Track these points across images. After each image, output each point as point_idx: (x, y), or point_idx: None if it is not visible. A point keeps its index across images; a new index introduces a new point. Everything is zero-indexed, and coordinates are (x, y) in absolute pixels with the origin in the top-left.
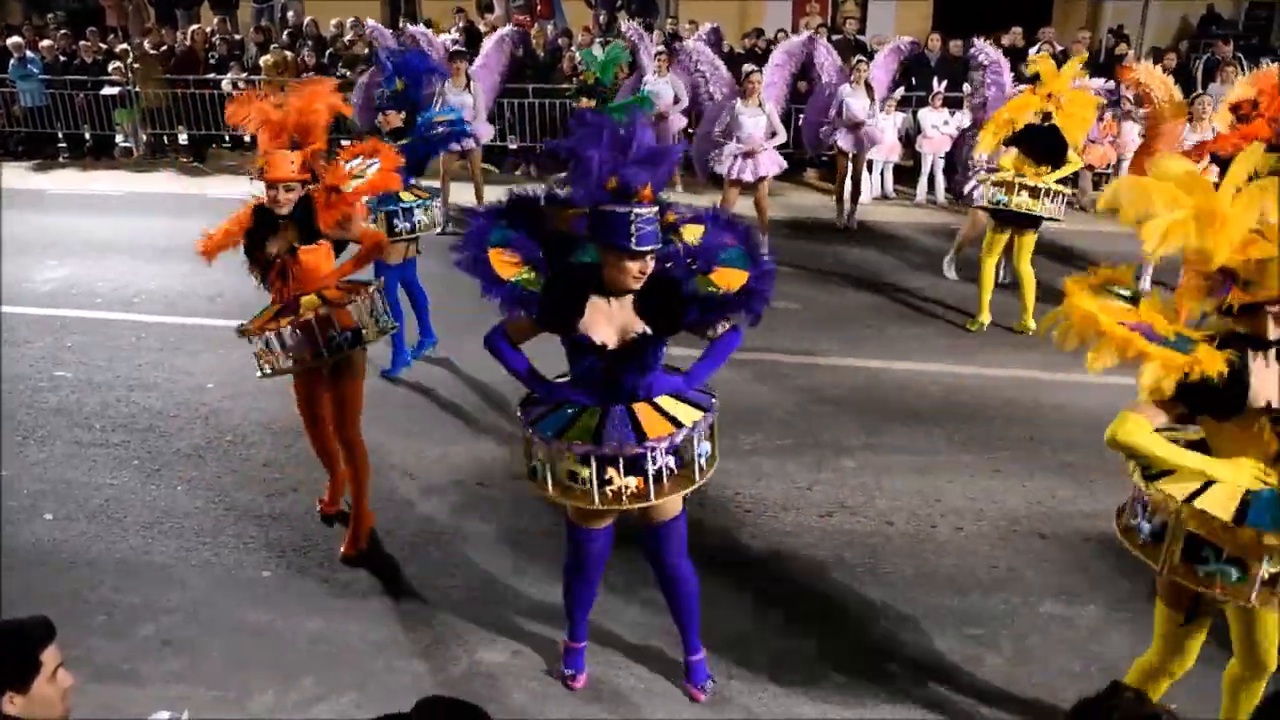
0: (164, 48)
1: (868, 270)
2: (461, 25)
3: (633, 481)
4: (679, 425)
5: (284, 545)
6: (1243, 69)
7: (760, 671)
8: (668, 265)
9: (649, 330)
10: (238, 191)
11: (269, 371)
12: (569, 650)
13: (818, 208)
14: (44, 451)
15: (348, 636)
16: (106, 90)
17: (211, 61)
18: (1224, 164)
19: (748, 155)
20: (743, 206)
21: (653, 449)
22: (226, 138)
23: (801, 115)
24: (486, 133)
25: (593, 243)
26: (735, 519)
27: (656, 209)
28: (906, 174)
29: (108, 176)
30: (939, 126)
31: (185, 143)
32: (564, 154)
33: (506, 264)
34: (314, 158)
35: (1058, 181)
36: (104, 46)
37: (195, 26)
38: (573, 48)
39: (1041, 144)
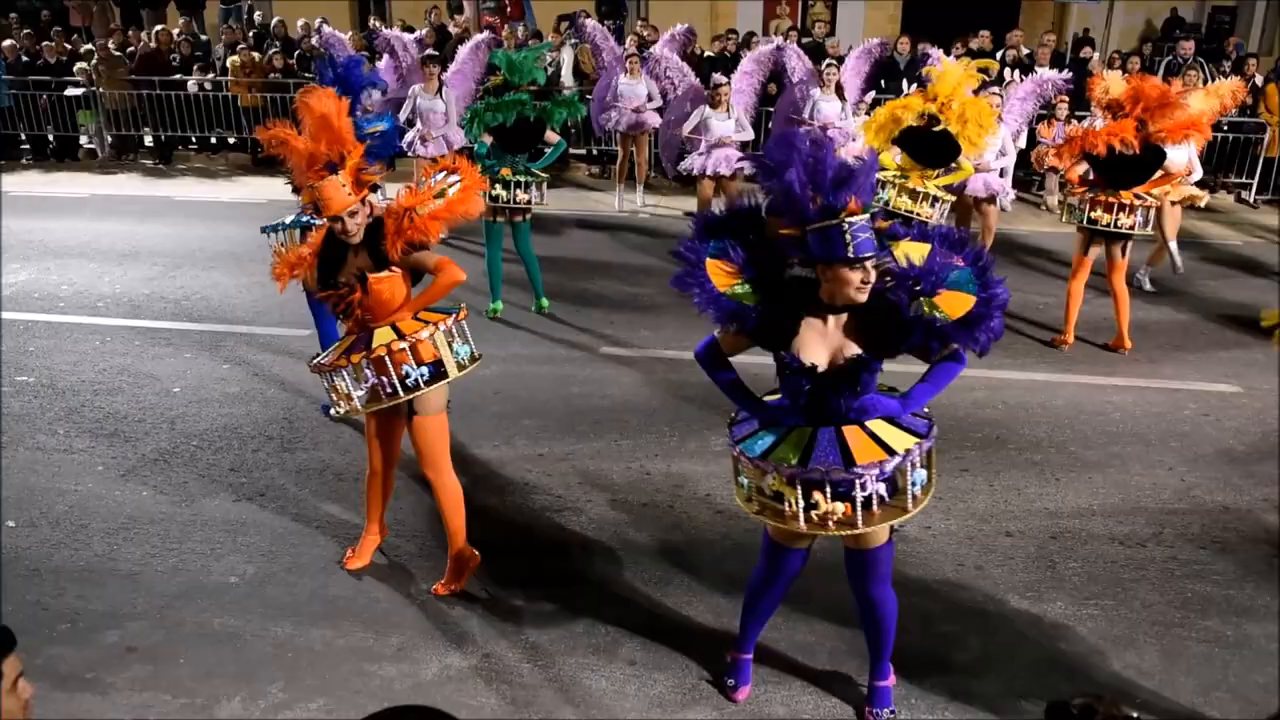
0: (129, 49)
1: None
2: (432, 25)
3: (840, 507)
4: (891, 452)
5: (251, 551)
6: (1204, 71)
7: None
8: (888, 283)
9: (864, 353)
10: (204, 195)
11: (344, 411)
12: (735, 662)
13: None
14: (6, 457)
15: (315, 642)
16: (70, 91)
17: (176, 63)
18: (1094, 160)
19: (719, 146)
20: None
21: (861, 475)
22: (193, 139)
23: (771, 120)
24: (458, 138)
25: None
26: (707, 519)
27: (868, 217)
28: None
29: (71, 178)
30: None
31: (150, 145)
32: (765, 181)
33: (723, 275)
34: (359, 170)
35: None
36: (68, 47)
37: (160, 27)
38: (543, 49)
39: (926, 148)
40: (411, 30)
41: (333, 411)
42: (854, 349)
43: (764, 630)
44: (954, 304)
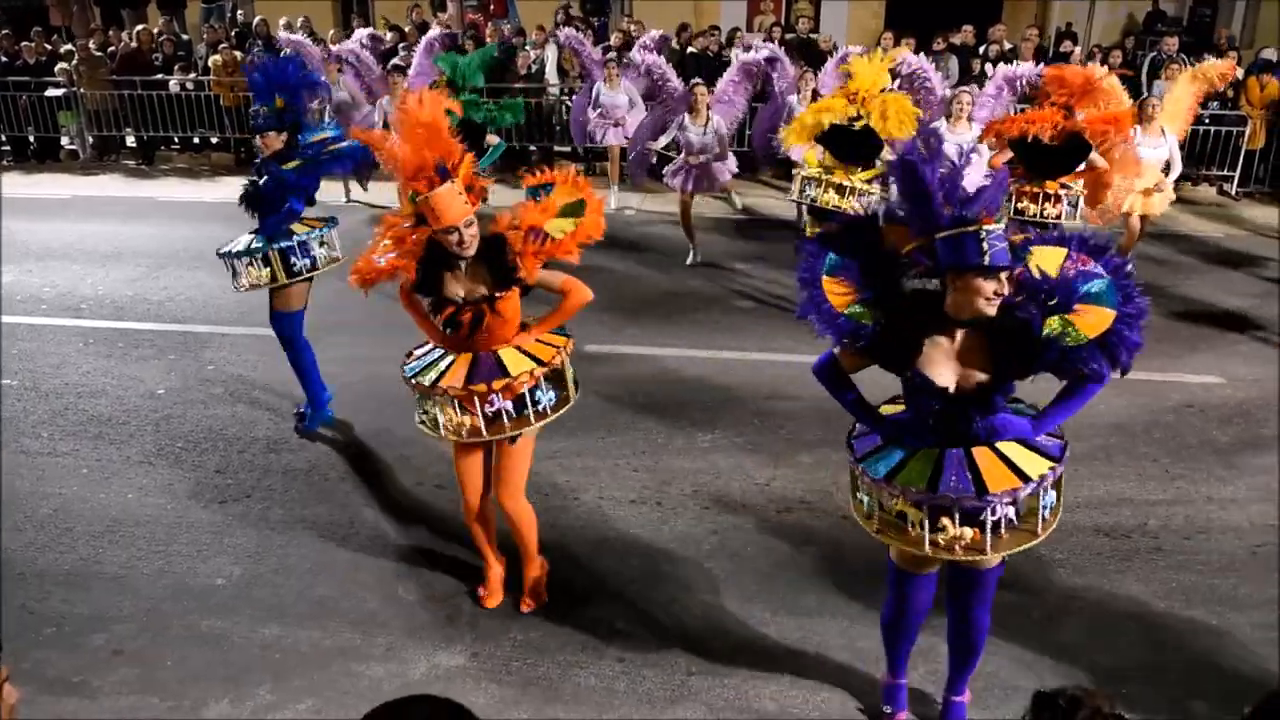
0: (110, 48)
1: None
2: (414, 24)
3: (969, 532)
4: (1025, 478)
5: (238, 552)
6: (1187, 65)
7: (721, 666)
8: (1019, 298)
9: (994, 374)
10: (187, 195)
11: (450, 437)
12: (889, 686)
13: (776, 206)
14: None
15: (303, 643)
16: (51, 91)
17: (158, 62)
18: (1017, 148)
19: (700, 166)
20: (707, 207)
21: (993, 503)
22: (175, 139)
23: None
24: None
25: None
26: (694, 516)
27: (1003, 228)
28: None
29: (53, 180)
30: None
31: (132, 145)
32: (899, 184)
33: (839, 294)
34: (469, 174)
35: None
36: (48, 47)
37: (141, 26)
38: (526, 47)
39: (848, 145)
40: (397, 29)
41: (440, 435)
42: (983, 369)
43: (758, 628)
44: (1092, 321)
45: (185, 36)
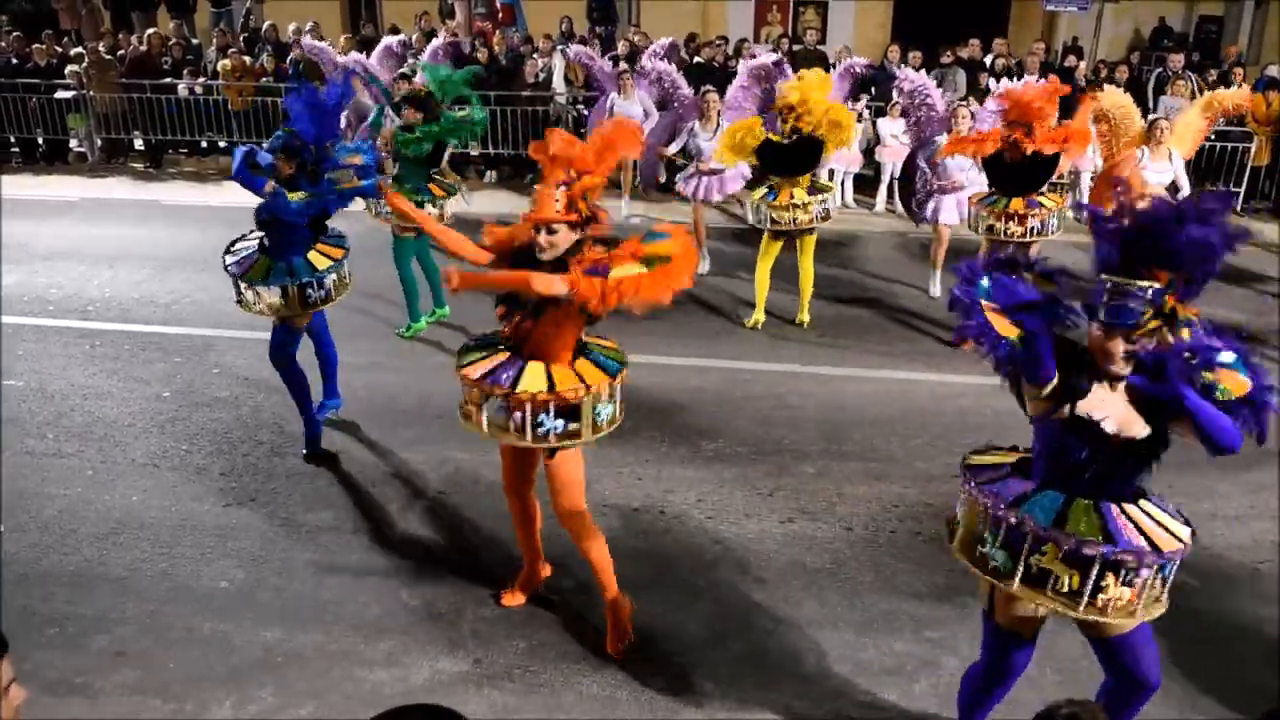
0: (119, 52)
1: (826, 279)
2: (422, 31)
3: (1126, 593)
4: (1179, 540)
5: (241, 556)
6: (1193, 83)
7: (721, 675)
8: (1161, 357)
9: (1153, 423)
10: (194, 199)
11: (483, 434)
12: None
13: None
14: None
15: (305, 647)
16: (60, 94)
17: (167, 66)
18: (987, 167)
19: (711, 174)
20: (719, 217)
21: (1164, 562)
22: (182, 143)
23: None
24: None
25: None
26: (697, 524)
27: (1150, 289)
28: (866, 183)
29: (61, 182)
30: (898, 136)
31: (141, 148)
32: (1094, 231)
33: (1006, 323)
34: (590, 196)
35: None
36: (58, 50)
37: (151, 30)
38: (534, 55)
39: (787, 159)
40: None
41: (483, 434)
42: (1139, 421)
43: (761, 638)
44: (1232, 383)
45: (195, 41)
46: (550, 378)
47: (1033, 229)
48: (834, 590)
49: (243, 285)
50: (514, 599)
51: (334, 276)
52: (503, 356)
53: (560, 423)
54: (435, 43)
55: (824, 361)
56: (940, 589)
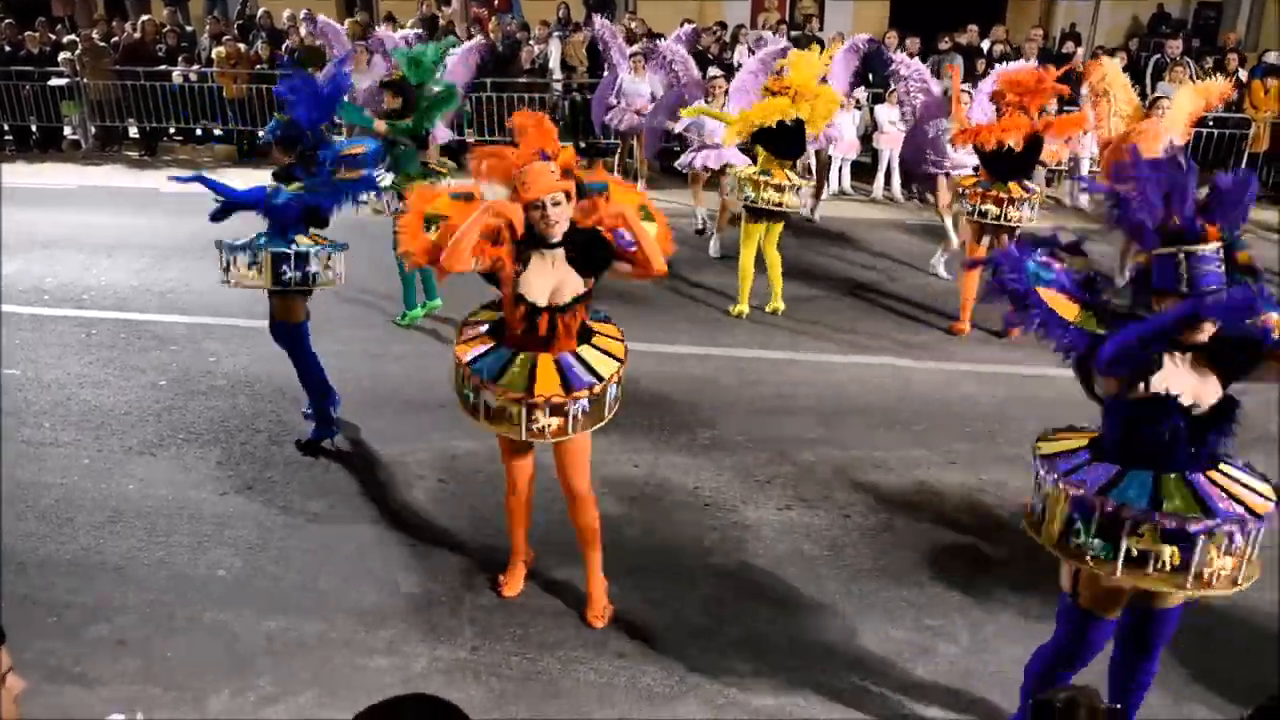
0: (113, 39)
1: (824, 266)
2: (422, 18)
3: (1229, 563)
4: (1266, 500)
5: (239, 544)
6: (1191, 69)
7: (720, 662)
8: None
9: (1219, 389)
10: (189, 187)
11: (533, 438)
12: None
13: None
14: None
15: (305, 635)
16: (54, 81)
17: (161, 53)
18: (984, 155)
19: (711, 146)
20: (710, 200)
21: (1258, 528)
22: (172, 129)
23: None
24: (444, 134)
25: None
26: (695, 512)
27: (1218, 247)
28: (864, 170)
29: (55, 170)
30: (895, 123)
31: (135, 136)
32: (1110, 208)
33: (1063, 304)
34: (568, 162)
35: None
36: (51, 37)
37: (146, 17)
38: (530, 41)
39: (781, 141)
40: (393, 19)
41: (519, 435)
42: (1214, 385)
43: (758, 624)
44: (1276, 323)
45: (189, 28)
46: (605, 352)
47: (1025, 215)
48: (831, 577)
49: (224, 255)
50: (513, 588)
51: (317, 265)
52: (548, 361)
53: (615, 388)
54: (469, 44)
55: (821, 349)
56: (939, 575)
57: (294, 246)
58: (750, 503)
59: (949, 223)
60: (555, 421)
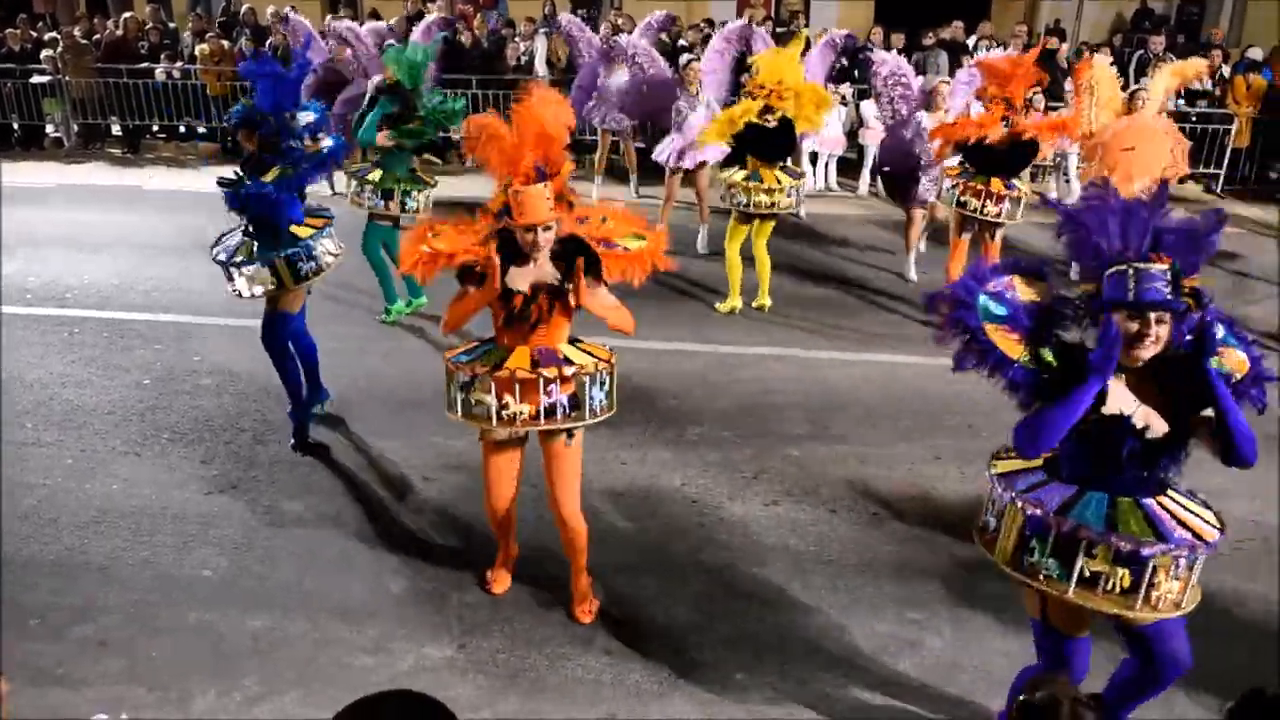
0: (95, 36)
1: (809, 262)
2: (408, 16)
3: (1176, 586)
4: (1211, 528)
5: (224, 544)
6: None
7: (707, 658)
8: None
9: (1173, 413)
10: (173, 184)
11: (498, 434)
12: None
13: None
14: None
15: (290, 635)
16: (36, 79)
17: (144, 50)
18: (966, 149)
19: (689, 148)
20: (684, 195)
21: (1204, 554)
22: (155, 127)
23: None
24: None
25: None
26: (682, 508)
27: (1165, 269)
28: (849, 166)
29: (37, 168)
30: (880, 118)
31: (118, 133)
32: (1068, 228)
33: (1009, 342)
34: (565, 187)
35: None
36: (33, 34)
37: (128, 14)
38: (516, 38)
39: (767, 143)
40: (379, 18)
41: (500, 432)
42: (1160, 411)
43: (746, 621)
44: (1234, 362)
45: (172, 25)
46: (586, 352)
47: (1005, 211)
48: (818, 573)
49: (233, 271)
50: (501, 585)
51: (321, 247)
52: (525, 350)
53: (601, 394)
54: (428, 20)
55: (808, 345)
56: (924, 569)
57: (300, 242)
58: (737, 498)
59: (912, 257)
60: (526, 408)
